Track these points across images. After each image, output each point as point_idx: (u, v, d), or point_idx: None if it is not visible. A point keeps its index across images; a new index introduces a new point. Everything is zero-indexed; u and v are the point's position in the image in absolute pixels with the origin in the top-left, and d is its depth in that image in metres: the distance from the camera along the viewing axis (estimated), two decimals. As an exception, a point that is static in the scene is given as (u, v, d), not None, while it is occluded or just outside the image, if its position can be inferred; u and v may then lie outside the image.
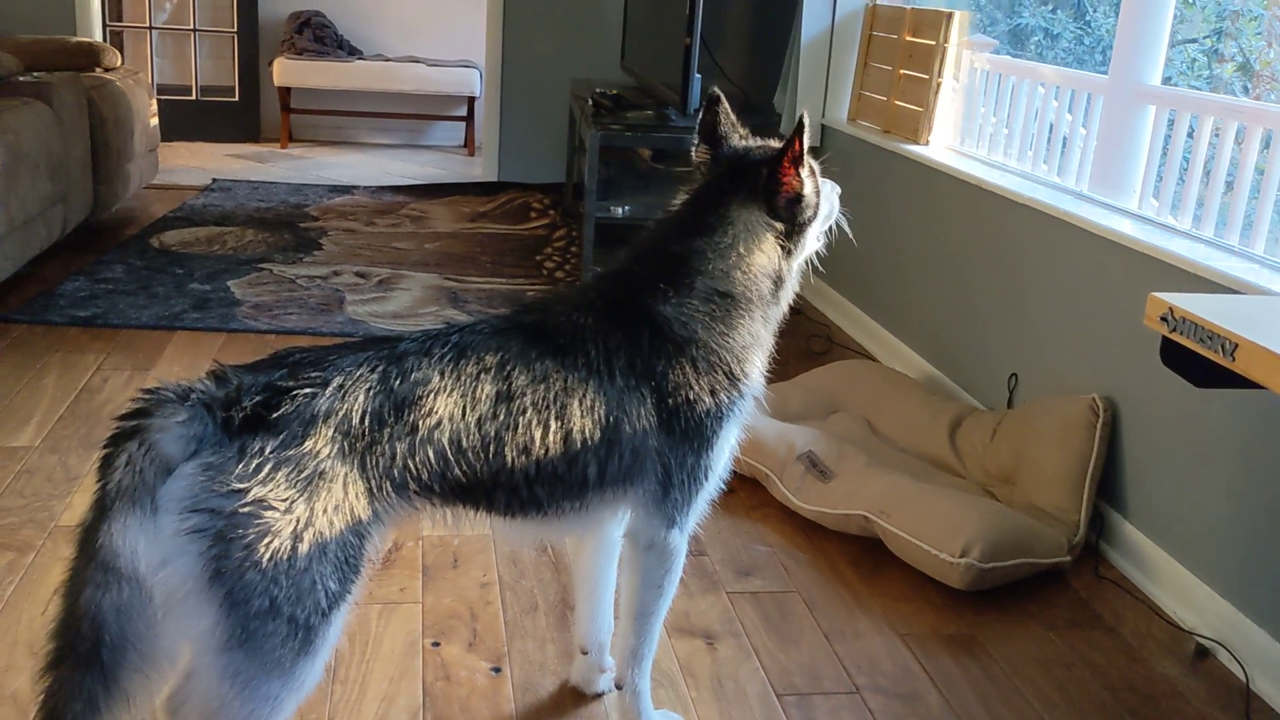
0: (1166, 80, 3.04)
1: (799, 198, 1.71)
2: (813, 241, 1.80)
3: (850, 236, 1.89)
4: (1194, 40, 3.80)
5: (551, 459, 1.59)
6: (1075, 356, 2.90)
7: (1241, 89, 3.68)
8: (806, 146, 1.68)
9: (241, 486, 1.38)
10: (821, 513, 2.72)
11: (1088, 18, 4.10)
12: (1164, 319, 1.46)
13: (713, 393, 1.69)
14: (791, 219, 1.72)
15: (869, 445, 3.02)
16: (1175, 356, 1.47)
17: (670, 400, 1.66)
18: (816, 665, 2.22)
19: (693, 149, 1.82)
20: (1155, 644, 2.38)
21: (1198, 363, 1.41)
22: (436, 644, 2.19)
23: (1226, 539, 2.38)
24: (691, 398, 1.67)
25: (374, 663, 2.11)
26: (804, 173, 1.71)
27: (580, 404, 1.60)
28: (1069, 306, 2.93)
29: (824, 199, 1.79)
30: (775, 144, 1.76)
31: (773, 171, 1.69)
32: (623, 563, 1.87)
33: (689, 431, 1.69)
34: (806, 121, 1.65)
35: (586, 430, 1.61)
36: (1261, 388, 1.33)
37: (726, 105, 1.79)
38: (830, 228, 1.85)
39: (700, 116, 1.81)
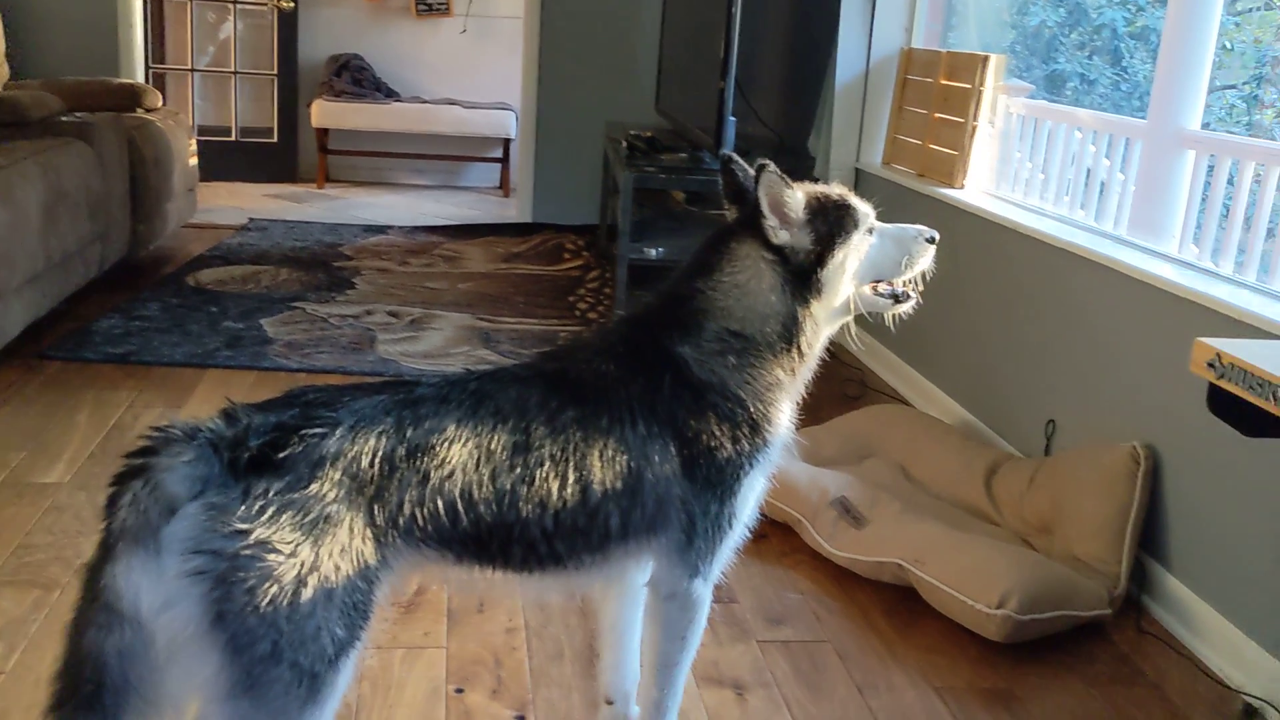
0: (1205, 126, 3.00)
1: (793, 239, 1.67)
2: (838, 285, 1.71)
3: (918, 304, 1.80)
4: (1233, 86, 3.75)
5: (571, 511, 1.55)
6: (1115, 403, 2.84)
7: (1282, 135, 3.63)
8: (780, 185, 1.65)
9: (244, 528, 1.35)
10: (854, 560, 2.67)
11: (1124, 63, 4.07)
12: (1211, 365, 1.42)
13: (735, 440, 1.65)
14: (787, 254, 1.68)
15: (903, 492, 2.97)
16: (1223, 404, 1.43)
17: (692, 446, 1.63)
18: (849, 719, 2.16)
19: (725, 212, 1.78)
20: (1200, 702, 2.30)
21: (1247, 410, 1.37)
22: (460, 690, 2.15)
23: (1276, 593, 2.31)
24: (714, 444, 1.64)
25: (396, 709, 2.08)
26: (795, 207, 1.66)
27: (601, 454, 1.57)
28: (1108, 352, 2.88)
29: (883, 241, 1.74)
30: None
31: (755, 205, 1.66)
32: (646, 612, 1.83)
33: (712, 479, 1.65)
34: (769, 168, 1.63)
35: (608, 481, 1.57)
36: (1314, 438, 1.29)
37: (740, 161, 1.75)
38: (907, 289, 1.78)
39: (721, 181, 1.78)
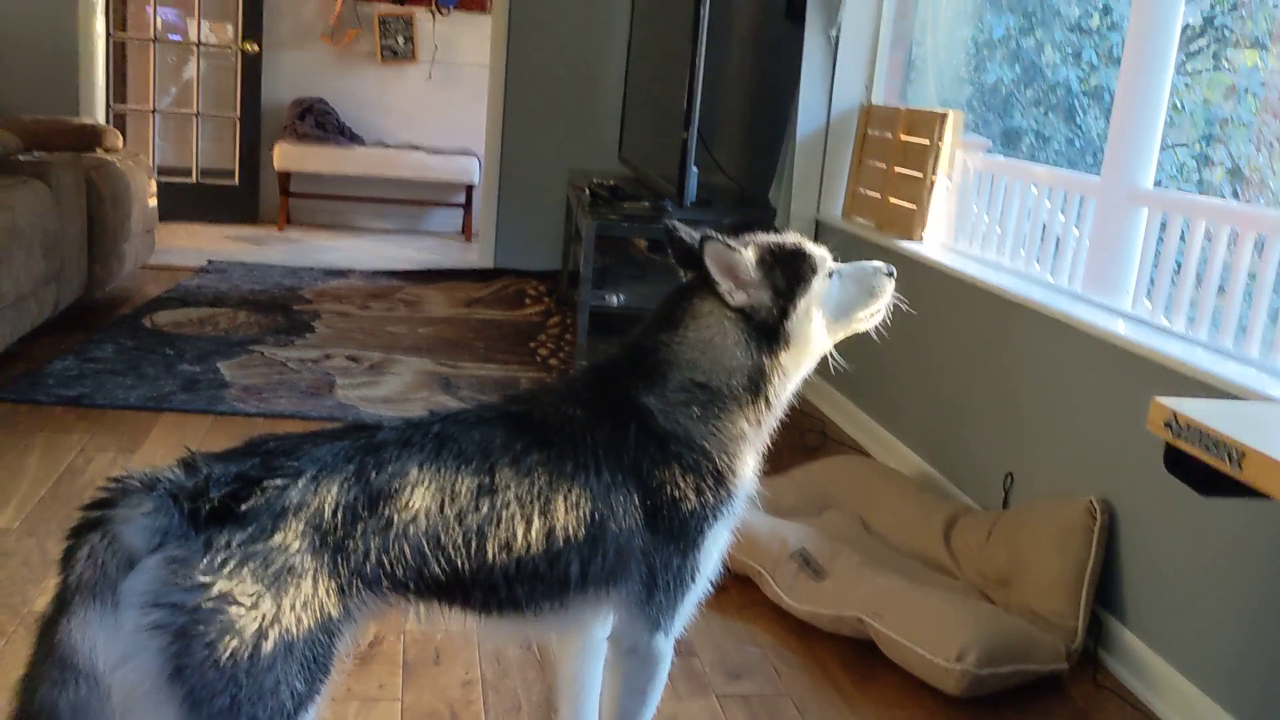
0: (1157, 183, 3.06)
1: (751, 297, 1.68)
2: (807, 332, 1.72)
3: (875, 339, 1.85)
4: (1184, 145, 3.84)
5: (533, 556, 1.54)
6: (1072, 457, 2.87)
7: (1231, 193, 3.71)
8: (726, 252, 1.66)
9: (205, 580, 1.33)
10: (815, 613, 2.67)
11: (1079, 120, 4.15)
12: (1168, 424, 1.44)
13: (699, 492, 1.65)
14: (748, 311, 1.69)
15: (863, 544, 2.97)
16: (1179, 463, 1.45)
17: (655, 498, 1.62)
18: (807, 774, 2.15)
19: (682, 278, 1.79)
20: (1156, 757, 2.31)
21: (1202, 470, 1.38)
22: (415, 744, 2.12)
23: (1230, 650, 2.33)
24: (677, 496, 1.63)
25: (350, 763, 2.04)
26: (745, 268, 1.67)
27: (565, 499, 1.56)
28: (1064, 407, 2.91)
29: (846, 283, 1.77)
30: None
31: (706, 274, 1.68)
32: (606, 666, 1.82)
33: (674, 531, 1.64)
34: (711, 239, 1.65)
35: (570, 527, 1.56)
36: (1269, 498, 1.30)
37: (683, 230, 1.75)
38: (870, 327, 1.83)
39: (670, 253, 1.78)
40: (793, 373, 1.74)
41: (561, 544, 1.56)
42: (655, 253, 5.23)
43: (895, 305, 1.84)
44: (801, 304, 1.71)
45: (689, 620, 1.75)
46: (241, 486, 1.40)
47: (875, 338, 1.86)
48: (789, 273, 1.71)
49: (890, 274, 1.82)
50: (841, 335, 1.81)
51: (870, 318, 1.81)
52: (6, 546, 2.74)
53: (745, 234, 1.78)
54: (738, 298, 1.68)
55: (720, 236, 1.68)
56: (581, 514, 1.57)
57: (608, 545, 1.59)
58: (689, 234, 1.75)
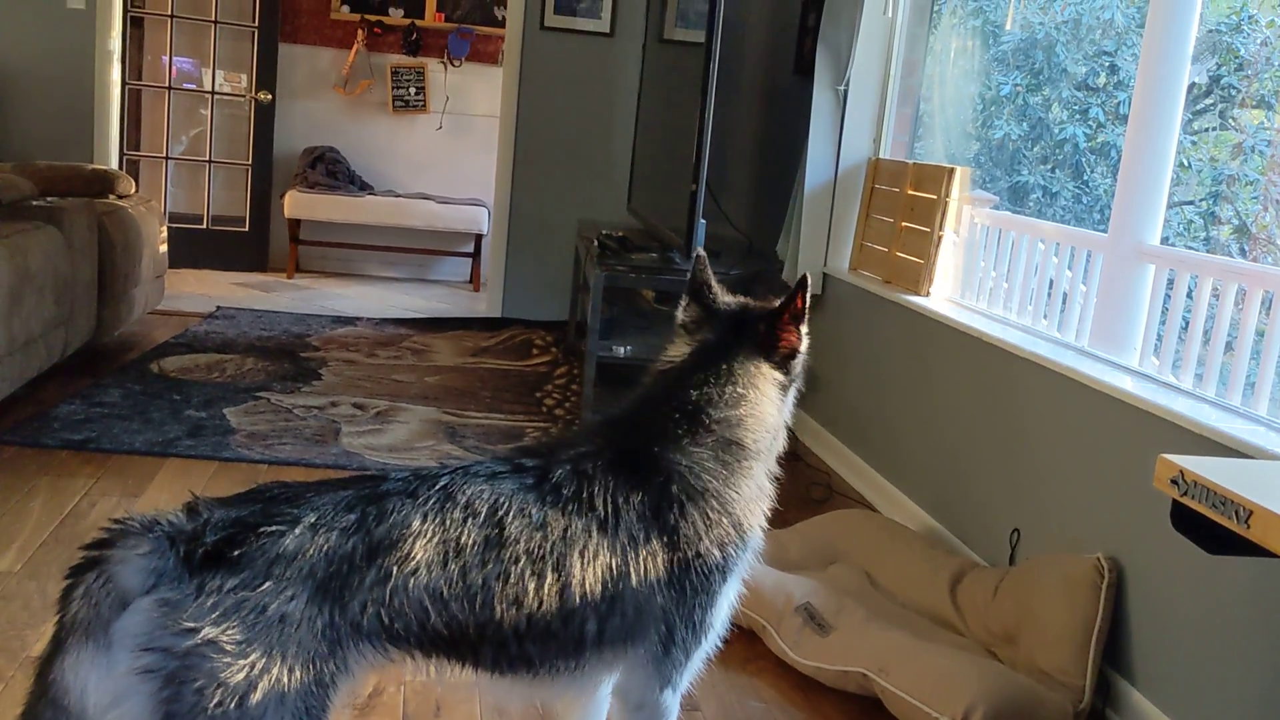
0: (1164, 240, 3.07)
1: (794, 353, 1.74)
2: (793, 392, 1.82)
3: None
4: (1190, 202, 3.85)
5: (545, 613, 1.52)
6: (1079, 514, 2.85)
7: (1238, 251, 3.71)
8: (808, 303, 1.70)
9: (193, 626, 1.32)
10: (819, 669, 2.64)
11: (1085, 177, 4.17)
12: (1174, 482, 1.43)
13: (721, 546, 1.64)
14: (788, 372, 1.74)
15: (868, 598, 2.95)
16: (1186, 521, 1.43)
17: (680, 554, 1.61)
18: (811, 833, 2.11)
19: (680, 307, 1.81)
20: (1166, 821, 2.27)
21: (1209, 528, 1.37)
22: (414, 798, 2.09)
23: (1239, 712, 2.29)
24: (702, 551, 1.62)
25: (347, 816, 2.01)
26: (803, 329, 1.73)
27: (582, 556, 1.54)
28: (1071, 463, 2.90)
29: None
30: (774, 301, 1.79)
31: (771, 326, 1.71)
32: (610, 720, 1.80)
33: (697, 587, 1.63)
34: (810, 280, 1.68)
35: (587, 584, 1.54)
36: (1277, 556, 1.29)
37: (710, 271, 1.81)
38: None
39: (690, 277, 1.81)
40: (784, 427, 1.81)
41: (577, 601, 1.54)
42: (663, 304, 5.24)
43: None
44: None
45: (696, 676, 1.74)
46: (238, 532, 1.39)
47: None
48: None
49: None
50: None
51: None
52: (8, 590, 2.73)
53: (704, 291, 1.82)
54: (794, 367, 1.74)
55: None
56: (599, 571, 1.55)
57: (627, 603, 1.57)
58: (712, 280, 1.79)
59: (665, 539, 1.60)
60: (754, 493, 1.70)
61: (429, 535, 1.47)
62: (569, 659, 1.58)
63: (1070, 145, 4.10)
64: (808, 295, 1.69)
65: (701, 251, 1.82)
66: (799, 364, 1.76)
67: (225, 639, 1.33)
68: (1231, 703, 2.31)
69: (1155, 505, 2.53)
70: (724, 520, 1.65)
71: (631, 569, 1.57)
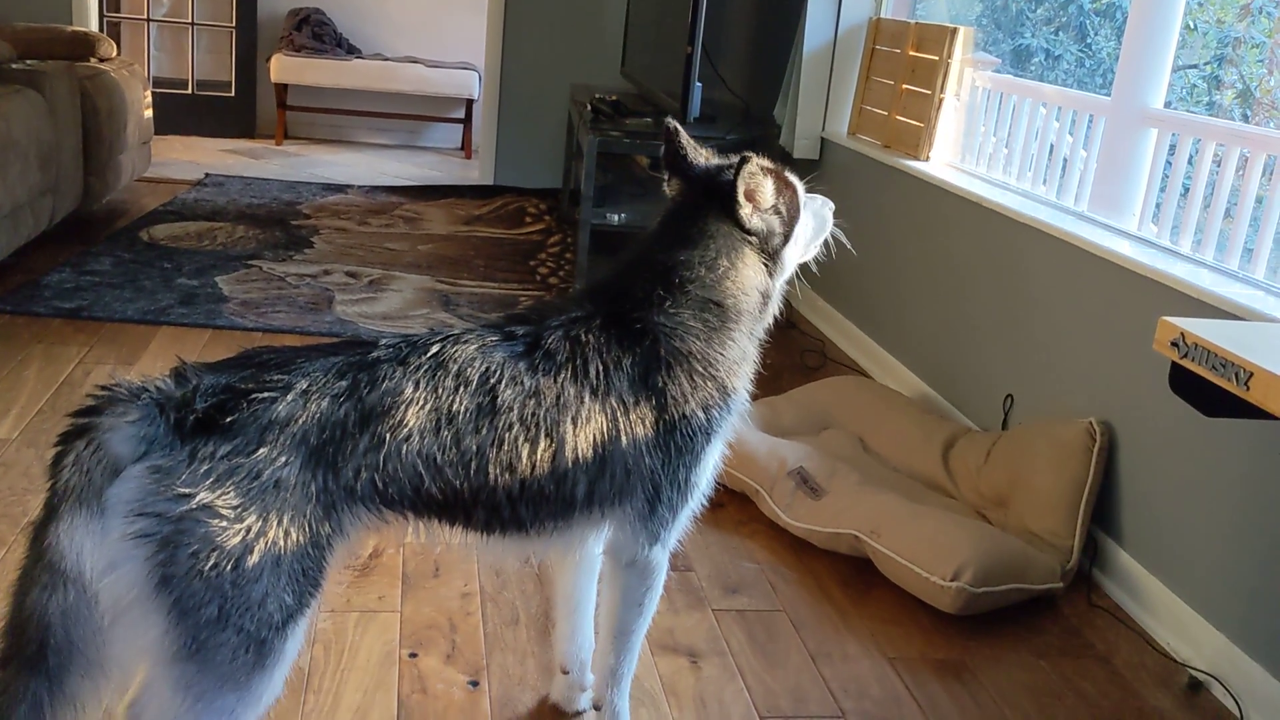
0: (1167, 105, 3.01)
1: (764, 223, 1.71)
2: (793, 260, 1.80)
3: (849, 249, 1.88)
4: (1195, 66, 3.77)
5: (538, 477, 1.54)
6: (1072, 379, 2.86)
7: (1241, 116, 3.65)
8: (769, 172, 1.69)
9: (188, 491, 1.32)
10: (811, 530, 2.68)
11: (1089, 40, 4.07)
12: (1175, 344, 1.42)
13: (706, 408, 1.66)
14: (762, 236, 1.72)
15: (861, 463, 2.98)
16: (1184, 383, 1.43)
17: (667, 415, 1.62)
18: (802, 687, 2.17)
19: (664, 184, 1.80)
20: (1148, 675, 2.34)
21: (1208, 391, 1.37)
22: (414, 655, 2.14)
23: (1224, 571, 2.34)
24: (687, 412, 1.64)
25: (349, 672, 2.06)
26: (767, 195, 1.70)
27: (574, 420, 1.55)
28: (1067, 328, 2.90)
29: (811, 216, 1.80)
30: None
31: (731, 194, 1.68)
32: (603, 579, 1.83)
33: (683, 447, 1.65)
34: (753, 161, 1.67)
35: (580, 448, 1.56)
36: (1274, 418, 1.29)
37: (684, 133, 1.78)
38: (827, 242, 1.86)
39: (662, 151, 1.79)
40: (780, 294, 1.80)
41: (570, 465, 1.56)
42: (657, 170, 5.17)
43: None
44: (796, 232, 1.77)
45: (683, 533, 1.77)
46: (229, 398, 1.38)
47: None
48: (791, 203, 1.75)
49: (833, 209, 1.88)
50: (798, 264, 1.86)
51: (816, 250, 1.86)
52: (6, 457, 2.75)
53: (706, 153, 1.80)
54: (754, 222, 1.71)
55: (761, 157, 1.69)
56: (591, 435, 1.56)
57: (615, 465, 1.60)
58: (689, 143, 1.77)
59: (653, 401, 1.62)
60: (738, 355, 1.70)
61: (421, 403, 1.47)
62: (559, 519, 1.61)
63: (1075, 6, 3.99)
64: (744, 173, 1.66)
65: (671, 121, 1.78)
66: (774, 232, 1.72)
67: (220, 503, 1.34)
68: (1215, 561, 2.36)
69: (1149, 369, 2.54)
70: (708, 384, 1.66)
71: (621, 432, 1.59)
